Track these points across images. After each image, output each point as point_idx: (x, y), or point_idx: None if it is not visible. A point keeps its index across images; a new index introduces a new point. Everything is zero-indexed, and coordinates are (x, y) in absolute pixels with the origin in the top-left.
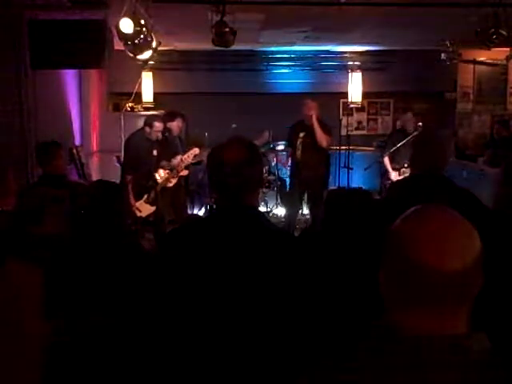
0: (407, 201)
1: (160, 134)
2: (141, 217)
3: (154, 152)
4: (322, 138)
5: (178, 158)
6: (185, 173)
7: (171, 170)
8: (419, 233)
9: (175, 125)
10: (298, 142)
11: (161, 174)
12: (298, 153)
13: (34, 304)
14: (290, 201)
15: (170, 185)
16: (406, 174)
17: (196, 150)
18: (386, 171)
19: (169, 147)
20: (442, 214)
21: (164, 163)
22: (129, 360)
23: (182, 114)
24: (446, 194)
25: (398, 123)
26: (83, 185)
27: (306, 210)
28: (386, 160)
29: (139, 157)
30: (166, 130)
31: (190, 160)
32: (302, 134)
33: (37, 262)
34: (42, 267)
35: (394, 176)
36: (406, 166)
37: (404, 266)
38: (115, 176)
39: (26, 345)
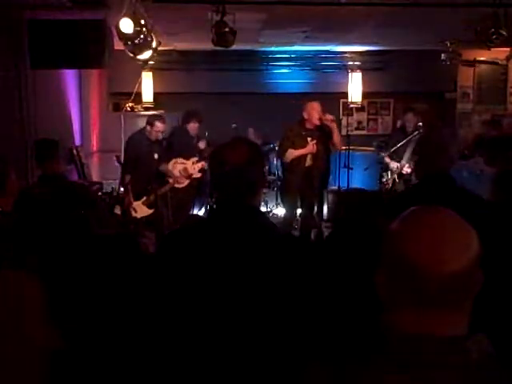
0: (410, 201)
1: (160, 135)
2: (136, 217)
3: (155, 155)
4: (338, 141)
5: (193, 159)
6: (198, 175)
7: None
8: (416, 235)
9: (191, 127)
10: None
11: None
12: (308, 160)
13: (35, 312)
14: (291, 203)
15: (181, 186)
16: (395, 175)
17: (203, 164)
18: (386, 169)
19: (182, 149)
20: (439, 215)
21: (163, 167)
22: (129, 361)
23: (197, 116)
24: (450, 194)
25: (399, 122)
26: (83, 185)
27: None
28: (387, 159)
29: (139, 157)
30: (183, 130)
31: (199, 176)
32: (309, 139)
33: (34, 268)
34: (40, 273)
35: (396, 168)
36: (396, 166)
37: (401, 268)
38: (115, 176)
39: (28, 354)
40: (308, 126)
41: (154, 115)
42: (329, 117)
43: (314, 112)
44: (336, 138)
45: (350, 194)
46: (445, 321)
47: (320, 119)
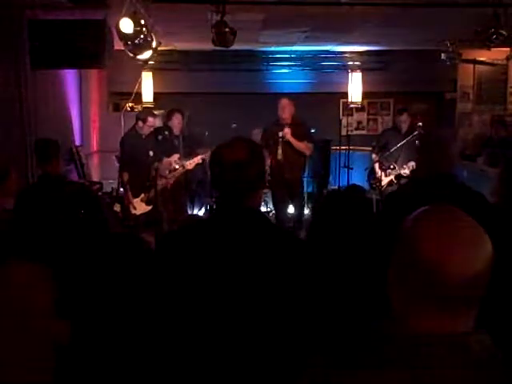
0: (412, 204)
1: (152, 129)
2: (135, 214)
3: (151, 153)
4: (303, 149)
5: (175, 157)
6: (190, 167)
7: (168, 172)
8: (431, 235)
9: (175, 122)
10: (278, 142)
11: (161, 180)
12: (279, 153)
13: (43, 303)
14: (275, 200)
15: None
16: (392, 176)
17: (198, 159)
18: (374, 170)
19: (165, 147)
20: (453, 215)
21: (157, 165)
22: (129, 359)
23: (179, 110)
24: (454, 194)
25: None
26: (83, 184)
27: (305, 210)
28: (375, 157)
29: (134, 155)
30: (167, 128)
31: (191, 168)
32: (280, 134)
33: (44, 262)
34: (51, 267)
35: (381, 176)
36: (391, 167)
37: (415, 268)
38: (115, 176)
39: (36, 343)
40: (281, 121)
41: (144, 111)
42: (287, 131)
43: (280, 108)
44: (296, 147)
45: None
46: (452, 320)
47: (287, 115)
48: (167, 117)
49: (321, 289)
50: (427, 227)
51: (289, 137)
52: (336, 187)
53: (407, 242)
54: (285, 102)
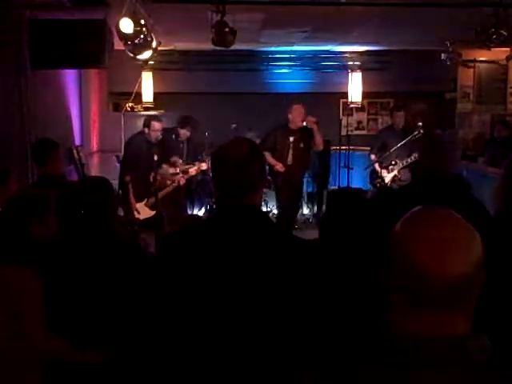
0: (411, 205)
1: (159, 134)
2: (138, 218)
3: (155, 157)
4: (320, 142)
5: (177, 160)
6: (182, 181)
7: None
8: (421, 236)
9: (186, 132)
10: (289, 147)
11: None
12: (290, 157)
13: (32, 305)
14: (279, 201)
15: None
16: (395, 171)
17: (203, 166)
18: (375, 169)
19: (168, 150)
20: (443, 216)
21: (162, 170)
22: (130, 360)
23: (194, 122)
24: (451, 197)
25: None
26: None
27: (305, 210)
28: (373, 158)
29: (139, 159)
30: (173, 132)
31: (193, 174)
32: (291, 139)
33: (32, 264)
34: (39, 270)
35: (381, 173)
36: (393, 163)
37: (405, 269)
38: (115, 176)
39: (26, 346)
40: (292, 126)
41: (149, 116)
42: (311, 119)
43: (296, 114)
44: (318, 138)
45: (336, 194)
46: (446, 321)
47: (303, 121)
48: (181, 123)
49: (323, 288)
50: (418, 229)
51: (315, 127)
52: (336, 187)
53: (399, 244)
54: (300, 108)
